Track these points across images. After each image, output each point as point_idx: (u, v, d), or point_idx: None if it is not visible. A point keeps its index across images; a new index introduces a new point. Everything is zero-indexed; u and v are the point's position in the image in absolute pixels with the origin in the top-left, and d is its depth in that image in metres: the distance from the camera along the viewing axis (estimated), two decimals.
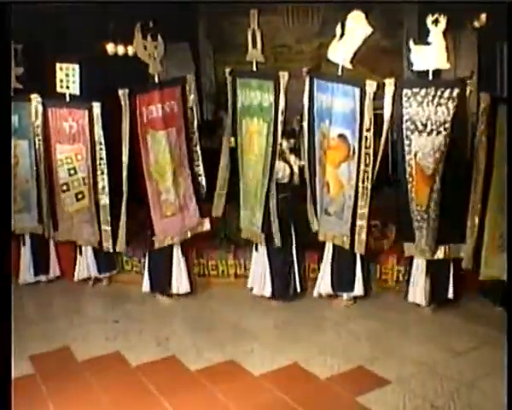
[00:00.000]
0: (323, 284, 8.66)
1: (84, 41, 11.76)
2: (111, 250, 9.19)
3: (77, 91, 9.07)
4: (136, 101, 8.40)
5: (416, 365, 6.85)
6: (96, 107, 8.94)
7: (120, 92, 8.27)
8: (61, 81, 9.07)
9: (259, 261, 8.92)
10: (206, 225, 9.11)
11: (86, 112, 9.00)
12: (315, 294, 8.74)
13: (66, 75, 9.05)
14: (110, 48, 13.15)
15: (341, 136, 7.99)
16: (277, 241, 8.49)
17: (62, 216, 9.51)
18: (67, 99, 9.16)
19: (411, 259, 8.32)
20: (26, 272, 10.11)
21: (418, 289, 8.24)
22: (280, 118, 8.14)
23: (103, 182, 9.02)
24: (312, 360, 7.04)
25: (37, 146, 9.50)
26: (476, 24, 12.44)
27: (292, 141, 8.81)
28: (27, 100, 9.45)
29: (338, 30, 7.89)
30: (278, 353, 7.30)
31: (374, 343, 7.47)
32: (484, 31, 12.51)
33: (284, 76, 8.03)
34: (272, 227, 8.47)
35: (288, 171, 8.59)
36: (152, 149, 8.58)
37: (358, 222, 7.97)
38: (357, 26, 7.81)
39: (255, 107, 8.43)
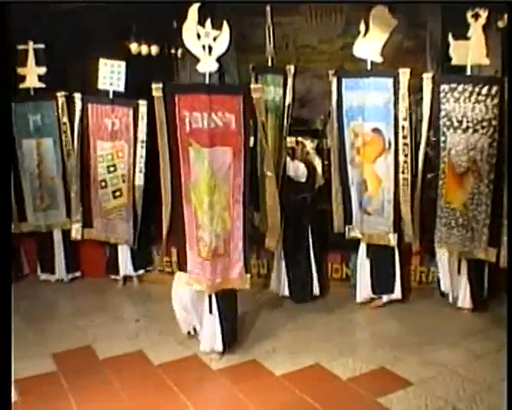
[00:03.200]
0: (363, 288, 8.61)
1: (109, 41, 11.79)
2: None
3: (121, 88, 9.09)
4: (175, 100, 6.61)
5: (438, 367, 6.80)
6: (143, 105, 8.98)
7: (154, 87, 6.63)
8: (105, 78, 9.09)
9: (278, 262, 8.92)
10: (246, 284, 7.10)
11: (131, 109, 9.04)
12: (358, 300, 8.65)
13: (111, 72, 9.07)
14: (133, 48, 13.17)
15: (376, 130, 7.99)
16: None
17: (98, 213, 9.56)
18: (111, 96, 9.19)
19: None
20: (60, 270, 10.20)
21: (458, 292, 8.21)
22: (286, 111, 8.17)
23: (140, 181, 9.09)
24: (334, 361, 7.02)
25: (64, 143, 9.58)
26: (500, 24, 12.33)
27: (315, 141, 8.79)
28: (52, 98, 9.53)
29: (362, 27, 7.92)
30: (300, 353, 7.27)
31: (396, 344, 7.42)
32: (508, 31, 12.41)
33: (290, 69, 8.10)
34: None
35: (303, 170, 8.51)
36: (194, 167, 6.76)
37: (399, 215, 8.01)
38: (381, 20, 7.82)
39: (270, 102, 8.47)
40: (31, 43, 9.55)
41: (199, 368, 7.07)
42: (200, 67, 6.66)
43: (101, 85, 9.15)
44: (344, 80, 8.20)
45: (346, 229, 8.52)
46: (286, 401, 6.30)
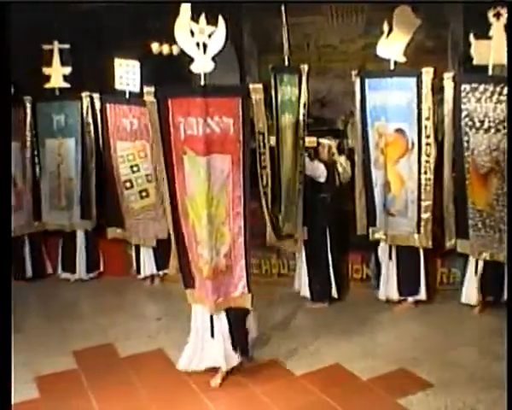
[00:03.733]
0: (389, 290, 8.58)
1: (130, 40, 11.83)
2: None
3: (137, 88, 9.10)
4: (168, 105, 6.05)
5: (458, 368, 6.75)
6: None
7: (145, 90, 6.10)
8: (121, 78, 9.12)
9: (300, 262, 8.92)
10: (248, 303, 6.56)
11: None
12: (381, 297, 8.65)
13: (127, 72, 9.10)
14: (155, 47, 13.24)
15: (399, 130, 7.98)
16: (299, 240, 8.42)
17: (127, 213, 9.62)
18: (127, 96, 9.22)
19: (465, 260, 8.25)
20: (80, 269, 10.26)
21: (471, 290, 8.17)
22: (302, 111, 8.11)
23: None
24: (354, 361, 7.00)
25: (87, 143, 9.64)
26: None
27: (337, 141, 8.78)
28: (76, 98, 9.60)
29: (385, 26, 7.91)
30: (320, 353, 7.28)
31: (416, 345, 7.39)
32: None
33: (304, 69, 8.05)
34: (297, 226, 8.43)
35: (322, 170, 8.49)
36: (190, 177, 6.21)
37: (423, 215, 7.93)
38: (404, 20, 7.80)
39: (286, 101, 8.48)
40: (56, 43, 9.58)
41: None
42: (195, 68, 6.04)
43: (117, 85, 9.19)
44: (367, 80, 8.19)
45: (370, 231, 8.50)
46: (306, 402, 6.29)
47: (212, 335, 6.65)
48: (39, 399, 6.65)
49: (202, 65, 6.02)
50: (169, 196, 6.38)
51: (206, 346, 6.76)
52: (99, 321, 8.56)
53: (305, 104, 8.05)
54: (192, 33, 5.93)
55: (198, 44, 5.94)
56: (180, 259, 6.60)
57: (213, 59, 6.04)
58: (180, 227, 6.45)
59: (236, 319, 6.70)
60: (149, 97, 6.09)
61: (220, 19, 5.98)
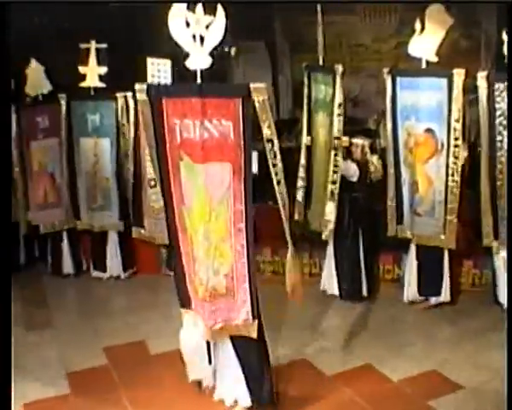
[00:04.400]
0: (411, 290, 8.55)
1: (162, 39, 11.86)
2: None
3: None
4: (163, 105, 5.44)
5: (489, 371, 6.70)
6: None
7: (137, 88, 5.45)
8: (153, 76, 9.13)
9: (329, 260, 8.91)
10: (252, 333, 5.83)
11: None
12: (405, 300, 8.62)
13: (158, 70, 9.13)
14: None
15: (429, 130, 7.92)
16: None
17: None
18: None
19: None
20: (113, 268, 10.30)
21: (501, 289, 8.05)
22: (337, 111, 8.07)
23: None
24: (385, 362, 6.99)
25: (122, 143, 9.71)
26: None
27: (369, 141, 8.76)
28: (112, 98, 9.64)
29: (417, 25, 7.85)
30: (351, 353, 7.28)
31: (448, 347, 7.36)
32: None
33: (339, 68, 8.02)
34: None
35: (354, 170, 8.51)
36: (187, 187, 5.62)
37: (448, 217, 7.87)
38: (437, 19, 7.75)
39: (321, 101, 8.47)
40: (93, 42, 9.58)
41: None
42: (191, 63, 5.38)
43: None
44: (398, 79, 8.15)
45: (398, 228, 8.47)
46: (337, 401, 6.30)
47: (210, 362, 6.21)
48: (70, 394, 6.73)
49: (199, 60, 5.37)
50: (164, 205, 5.85)
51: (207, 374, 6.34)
52: (131, 319, 8.61)
53: (340, 104, 8.03)
54: (187, 24, 5.26)
55: (194, 37, 5.29)
56: (176, 275, 6.08)
57: (211, 54, 5.39)
58: (177, 241, 5.86)
59: (249, 350, 6.05)
60: (141, 95, 5.46)
61: (219, 7, 5.28)
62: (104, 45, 9.61)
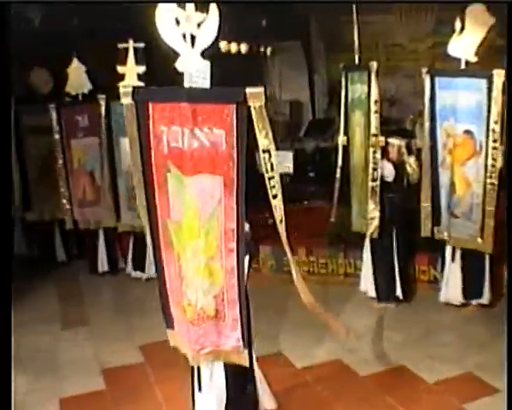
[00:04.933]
0: (452, 292, 8.45)
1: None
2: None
3: (207, 85, 9.12)
4: (149, 110, 4.93)
5: None
6: None
7: (122, 91, 4.95)
8: (191, 76, 9.15)
9: (366, 261, 8.89)
10: (243, 360, 5.29)
11: None
12: (442, 299, 8.54)
13: (197, 70, 9.12)
14: (223, 45, 13.32)
15: (467, 132, 7.84)
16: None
17: None
18: None
19: None
20: (153, 268, 10.25)
21: None
22: (373, 108, 8.07)
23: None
24: (420, 363, 6.94)
25: None
26: None
27: (405, 141, 8.70)
28: None
29: (457, 25, 7.78)
30: (385, 354, 7.25)
31: (484, 350, 7.28)
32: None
33: (373, 66, 7.99)
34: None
35: (390, 170, 8.45)
36: (174, 200, 5.07)
37: (486, 220, 7.79)
38: (478, 18, 7.67)
39: (357, 100, 8.45)
40: (131, 42, 9.58)
41: (283, 365, 7.11)
42: (180, 65, 4.96)
43: (186, 84, 9.21)
44: (437, 79, 8.08)
45: (435, 230, 8.41)
46: (370, 402, 6.28)
47: (200, 389, 5.69)
48: (105, 390, 6.79)
49: (189, 62, 4.97)
50: (148, 220, 5.29)
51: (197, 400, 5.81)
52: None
53: (376, 101, 8.00)
54: (177, 22, 4.76)
55: (184, 36, 4.80)
56: (160, 293, 5.52)
57: (203, 54, 4.96)
58: (161, 257, 5.33)
59: (236, 379, 5.62)
60: (126, 99, 4.94)
61: (212, 5, 4.81)
62: (142, 45, 9.60)
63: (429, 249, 8.78)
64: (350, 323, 8.08)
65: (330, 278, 9.46)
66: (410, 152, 8.62)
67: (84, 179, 10.41)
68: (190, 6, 4.74)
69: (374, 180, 8.18)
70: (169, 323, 5.59)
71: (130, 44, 9.59)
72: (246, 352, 5.26)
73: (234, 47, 13.31)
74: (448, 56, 8.05)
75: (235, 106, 4.65)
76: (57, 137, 10.22)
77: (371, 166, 8.15)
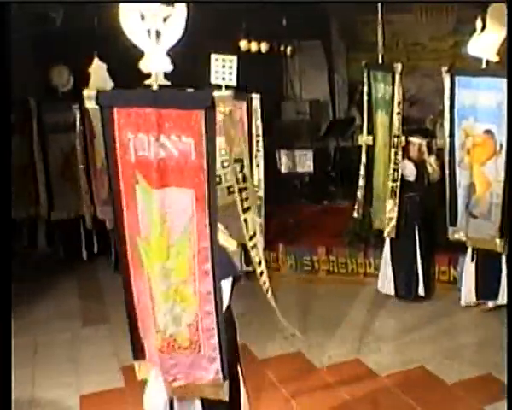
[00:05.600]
0: (468, 293, 8.41)
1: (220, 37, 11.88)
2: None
3: (234, 83, 9.16)
4: (114, 116, 4.44)
5: None
6: (256, 98, 9.07)
7: (86, 94, 4.40)
8: (217, 72, 9.16)
9: (385, 260, 8.89)
10: (222, 394, 4.73)
11: (244, 104, 9.10)
12: (462, 303, 8.48)
13: (223, 66, 9.14)
14: (243, 44, 13.32)
15: (488, 131, 7.78)
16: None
17: None
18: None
19: None
20: None
21: None
22: (396, 109, 8.05)
23: (259, 175, 9.17)
24: (439, 364, 6.93)
25: None
26: None
27: (426, 140, 8.68)
28: None
29: (478, 24, 7.74)
30: (404, 354, 7.24)
31: (503, 351, 7.26)
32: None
33: (398, 67, 7.98)
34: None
35: (411, 169, 8.47)
36: (143, 215, 4.53)
37: (505, 221, 7.76)
38: (499, 18, 7.62)
39: (380, 99, 8.43)
40: None
41: (302, 365, 7.13)
42: (145, 65, 4.44)
43: (213, 80, 9.22)
44: (457, 78, 8.04)
45: (450, 230, 8.38)
46: (390, 403, 6.28)
47: None
48: (125, 388, 6.83)
49: (154, 61, 4.42)
50: (118, 236, 4.76)
51: None
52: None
53: (399, 103, 7.99)
54: (142, 17, 4.25)
55: (149, 32, 4.29)
56: (128, 317, 4.96)
57: (168, 55, 4.42)
58: (129, 278, 4.79)
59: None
60: (90, 103, 4.45)
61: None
62: None
63: (450, 249, 8.73)
64: (368, 323, 8.11)
65: (350, 278, 9.44)
66: (430, 151, 8.61)
67: (107, 178, 10.38)
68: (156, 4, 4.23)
69: (394, 180, 8.18)
70: (137, 352, 5.00)
71: None
72: (226, 385, 4.73)
73: (254, 46, 13.31)
74: (469, 56, 8.01)
75: (203, 111, 4.18)
76: (80, 136, 10.23)
77: (392, 166, 8.14)
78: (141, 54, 4.40)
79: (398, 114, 8.00)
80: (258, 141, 9.11)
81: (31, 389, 6.76)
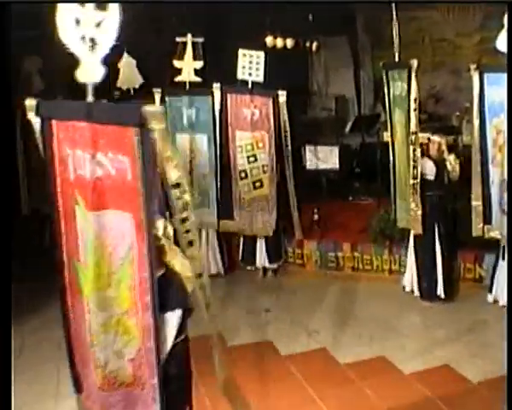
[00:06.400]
0: (500, 291, 8.30)
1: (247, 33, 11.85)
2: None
3: (261, 79, 9.16)
4: (53, 128, 4.09)
5: None
6: (282, 95, 9.05)
7: (27, 104, 4.13)
8: (244, 68, 9.16)
9: (410, 259, 8.85)
10: None
11: (271, 100, 9.12)
12: (489, 300, 8.44)
13: (250, 62, 9.14)
14: (269, 41, 13.31)
15: None
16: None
17: (238, 204, 9.64)
18: (250, 86, 9.23)
19: None
20: (212, 266, 10.07)
21: None
22: (412, 106, 7.99)
23: (289, 169, 9.21)
24: (464, 362, 6.91)
25: (217, 137, 9.54)
26: None
27: (451, 138, 8.63)
28: (208, 93, 9.49)
29: (506, 20, 7.67)
30: (429, 352, 7.22)
31: None
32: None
33: (414, 63, 7.94)
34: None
35: (431, 168, 8.43)
36: (82, 238, 4.19)
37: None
38: None
39: (397, 97, 8.40)
40: (189, 36, 9.45)
41: (327, 361, 7.14)
42: (81, 75, 3.90)
43: (240, 76, 9.21)
44: (486, 75, 7.99)
45: (485, 229, 8.31)
46: (414, 401, 6.25)
47: None
48: None
49: (89, 71, 3.90)
50: (55, 260, 4.41)
51: None
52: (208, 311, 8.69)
53: (415, 99, 7.95)
54: (77, 21, 3.84)
55: (84, 38, 3.85)
56: (67, 348, 4.58)
57: (97, 54, 3.89)
58: (66, 305, 4.44)
59: None
60: (31, 114, 4.14)
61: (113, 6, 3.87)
62: (201, 39, 9.48)
63: (476, 247, 8.67)
64: (393, 320, 8.10)
65: (375, 275, 9.41)
66: (451, 150, 8.56)
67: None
68: (89, 3, 3.83)
69: (414, 178, 8.13)
70: (77, 385, 4.60)
71: (189, 39, 9.47)
72: None
73: (280, 42, 13.29)
74: (496, 52, 7.94)
75: (135, 129, 3.72)
76: None
77: (411, 163, 8.11)
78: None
79: (415, 110, 7.95)
80: (286, 136, 9.16)
81: (55, 383, 6.80)
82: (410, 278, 8.82)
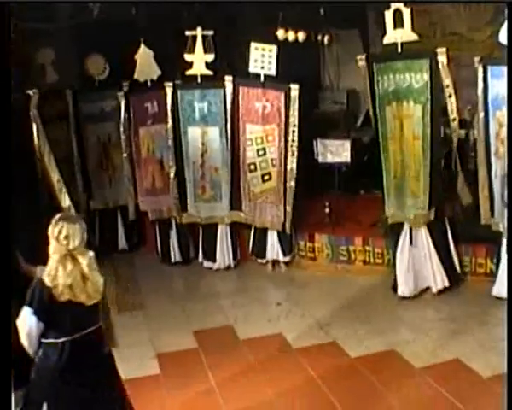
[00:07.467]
0: (501, 286, 8.23)
1: (258, 26, 11.85)
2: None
3: (273, 72, 9.15)
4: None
5: None
6: (294, 89, 9.03)
7: None
8: (256, 61, 9.14)
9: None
10: None
11: (283, 93, 9.10)
12: (494, 293, 8.38)
13: (262, 55, 9.13)
14: (280, 34, 13.27)
15: None
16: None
17: (246, 196, 9.67)
18: (262, 79, 9.23)
19: None
20: (224, 259, 10.13)
21: None
22: (447, 92, 8.08)
23: (292, 164, 9.17)
24: (475, 357, 6.88)
25: (228, 130, 9.53)
26: None
27: (463, 132, 8.61)
28: (220, 86, 9.52)
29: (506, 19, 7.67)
30: (439, 346, 7.21)
31: None
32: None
33: (442, 51, 7.98)
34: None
35: None
36: None
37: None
38: None
39: (403, 90, 8.31)
40: (199, 29, 9.48)
41: (337, 355, 7.15)
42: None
43: (252, 69, 9.20)
44: (490, 68, 7.99)
45: (492, 222, 8.30)
46: (424, 395, 6.27)
47: None
48: (160, 375, 6.94)
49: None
50: None
51: None
52: (220, 303, 8.79)
53: (447, 85, 8.01)
54: None
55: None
56: None
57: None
58: None
59: None
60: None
61: None
62: (210, 32, 9.50)
63: (488, 241, 8.63)
64: (404, 314, 8.09)
65: (386, 268, 9.37)
66: (467, 142, 8.56)
67: (153, 167, 10.30)
68: None
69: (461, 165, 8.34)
70: None
71: (199, 32, 9.50)
72: None
73: (291, 35, 13.24)
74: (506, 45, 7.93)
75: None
76: (126, 124, 10.13)
77: (454, 151, 8.30)
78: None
79: (450, 96, 8.10)
80: (293, 131, 9.10)
81: None
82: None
